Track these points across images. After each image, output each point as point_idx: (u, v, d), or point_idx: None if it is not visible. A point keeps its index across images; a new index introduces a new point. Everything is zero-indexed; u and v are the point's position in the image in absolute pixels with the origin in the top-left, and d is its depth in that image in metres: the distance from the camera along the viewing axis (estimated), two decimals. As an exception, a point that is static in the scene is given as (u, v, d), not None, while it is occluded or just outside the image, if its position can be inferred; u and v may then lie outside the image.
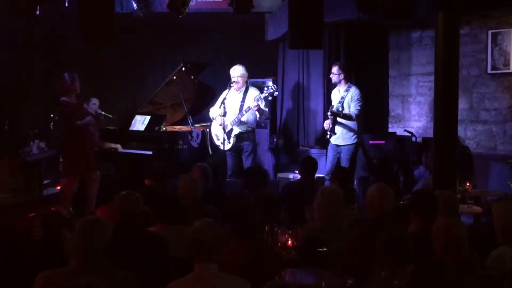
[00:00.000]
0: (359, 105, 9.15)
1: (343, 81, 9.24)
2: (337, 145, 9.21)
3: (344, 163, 9.12)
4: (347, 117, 9.14)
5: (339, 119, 9.14)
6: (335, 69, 9.25)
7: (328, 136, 9.24)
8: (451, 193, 5.95)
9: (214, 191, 6.95)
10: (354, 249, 4.70)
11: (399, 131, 10.53)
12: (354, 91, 9.19)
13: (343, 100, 9.17)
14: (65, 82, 8.38)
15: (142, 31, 11.10)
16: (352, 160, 9.23)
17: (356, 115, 9.14)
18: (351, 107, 9.15)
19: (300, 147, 10.69)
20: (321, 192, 5.55)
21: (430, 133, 8.84)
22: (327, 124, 9.22)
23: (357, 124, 9.24)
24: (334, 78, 9.25)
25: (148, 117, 9.86)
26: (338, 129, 9.14)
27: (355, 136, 9.21)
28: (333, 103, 9.35)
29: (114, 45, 9.62)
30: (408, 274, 3.92)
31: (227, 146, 9.38)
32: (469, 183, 7.52)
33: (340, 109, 9.16)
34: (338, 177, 6.77)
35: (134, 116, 10.08)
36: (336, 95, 9.38)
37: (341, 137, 9.17)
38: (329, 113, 9.16)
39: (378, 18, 9.42)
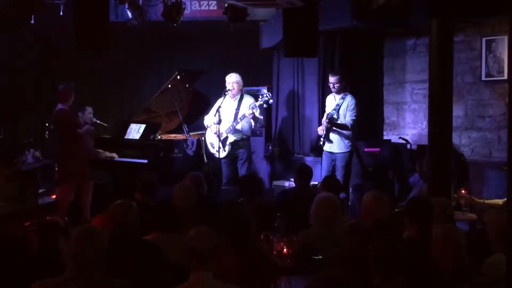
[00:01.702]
0: (355, 115, 9.19)
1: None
2: (332, 153, 9.24)
3: (339, 170, 9.15)
4: (343, 127, 9.17)
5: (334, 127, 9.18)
6: (335, 79, 9.24)
7: (321, 143, 9.26)
8: (447, 200, 5.97)
9: (208, 199, 6.95)
10: (350, 256, 4.70)
11: (394, 139, 10.53)
12: (350, 100, 9.23)
13: (338, 107, 9.21)
14: (68, 91, 8.51)
15: (137, 39, 11.10)
16: (347, 168, 9.26)
17: (351, 124, 9.18)
18: (347, 116, 9.19)
19: (295, 155, 10.69)
20: (318, 200, 5.56)
21: (425, 140, 8.85)
22: (320, 130, 9.24)
23: (352, 132, 9.27)
24: (336, 87, 9.25)
25: (143, 126, 9.87)
26: (333, 136, 9.17)
27: (349, 143, 9.23)
28: (327, 109, 9.38)
29: (109, 54, 9.64)
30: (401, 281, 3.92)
31: (222, 154, 9.39)
32: (464, 190, 7.53)
33: (335, 116, 9.19)
34: (328, 186, 6.75)
35: (130, 125, 10.08)
36: (331, 102, 9.41)
37: (336, 144, 9.20)
38: (326, 121, 9.17)
39: (372, 26, 9.44)
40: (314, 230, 5.45)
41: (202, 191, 6.86)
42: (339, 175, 9.04)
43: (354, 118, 9.19)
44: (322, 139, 9.21)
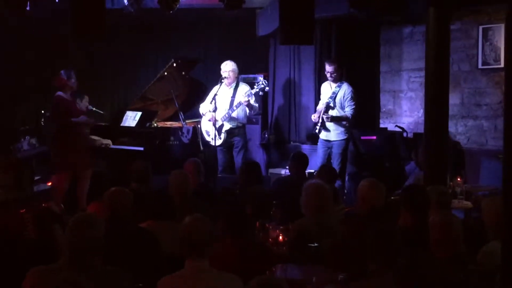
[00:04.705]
0: (354, 104, 9.16)
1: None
2: (328, 141, 9.22)
3: (336, 158, 9.14)
4: (343, 118, 9.15)
5: (333, 115, 9.13)
6: (332, 68, 9.21)
7: (316, 131, 9.23)
8: (444, 187, 5.98)
9: (205, 186, 6.95)
10: (345, 244, 4.71)
11: (391, 127, 10.54)
12: (347, 89, 9.19)
13: (334, 95, 9.18)
14: (61, 78, 8.40)
15: (133, 27, 11.06)
16: (343, 155, 9.24)
17: (352, 115, 9.15)
18: (346, 107, 9.15)
19: (291, 142, 10.69)
20: (306, 188, 5.49)
21: (421, 129, 8.84)
22: (315, 117, 9.21)
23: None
24: (333, 76, 9.22)
25: (139, 113, 9.85)
26: (330, 125, 9.14)
27: (346, 131, 9.22)
28: (322, 97, 9.36)
29: (105, 41, 9.61)
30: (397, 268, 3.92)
31: (218, 142, 9.38)
32: (460, 178, 7.53)
33: (331, 104, 9.16)
34: (324, 175, 6.74)
35: (126, 112, 10.07)
36: (327, 89, 9.36)
37: (333, 132, 9.17)
38: (323, 111, 9.12)
39: (369, 13, 9.42)
40: (309, 218, 5.44)
41: (200, 178, 6.87)
42: (335, 163, 9.04)
43: (354, 107, 9.16)
44: (318, 126, 9.17)
